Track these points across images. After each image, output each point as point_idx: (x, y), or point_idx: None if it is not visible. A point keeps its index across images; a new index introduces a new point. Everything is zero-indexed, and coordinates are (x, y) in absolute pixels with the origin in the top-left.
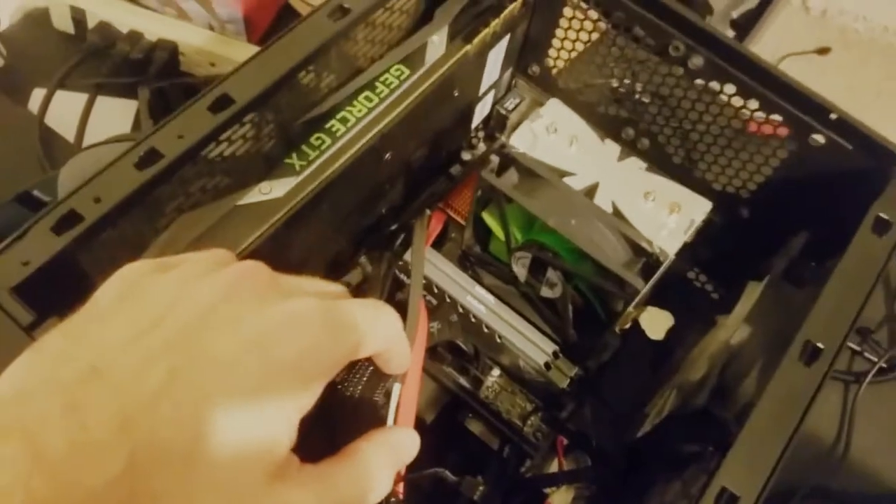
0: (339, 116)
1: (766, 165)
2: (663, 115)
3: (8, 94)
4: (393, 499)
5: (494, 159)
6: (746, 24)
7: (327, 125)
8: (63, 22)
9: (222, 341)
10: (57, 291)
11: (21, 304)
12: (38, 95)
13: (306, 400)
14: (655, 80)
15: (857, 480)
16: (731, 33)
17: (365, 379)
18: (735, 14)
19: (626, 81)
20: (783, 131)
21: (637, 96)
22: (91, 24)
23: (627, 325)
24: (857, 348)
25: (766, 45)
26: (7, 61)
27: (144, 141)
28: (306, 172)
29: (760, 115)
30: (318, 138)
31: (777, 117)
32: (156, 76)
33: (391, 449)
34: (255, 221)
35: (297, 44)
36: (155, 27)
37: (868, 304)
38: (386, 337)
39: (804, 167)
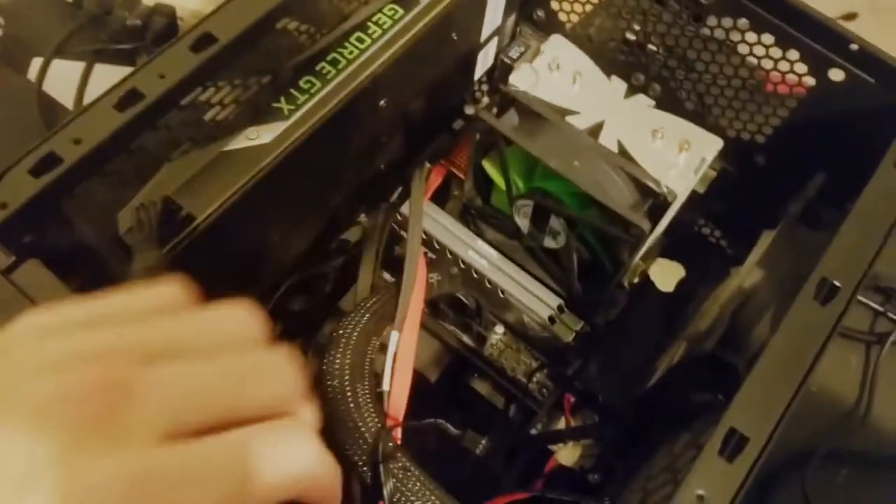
0: (329, 58)
1: (783, 107)
2: (675, 59)
3: (8, 63)
4: (390, 444)
5: (490, 98)
6: None
7: (317, 67)
8: None
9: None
10: (38, 235)
11: None
12: (37, 64)
13: None
14: (666, 20)
15: (877, 443)
16: None
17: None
18: None
19: (637, 25)
20: (801, 68)
21: (648, 41)
22: None
23: (636, 280)
24: (880, 308)
25: None
26: (6, 31)
27: (125, 81)
28: (295, 117)
29: (777, 51)
30: (307, 81)
31: (794, 53)
32: (154, 42)
33: None
34: (241, 168)
35: None
36: None
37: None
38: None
39: (822, 107)
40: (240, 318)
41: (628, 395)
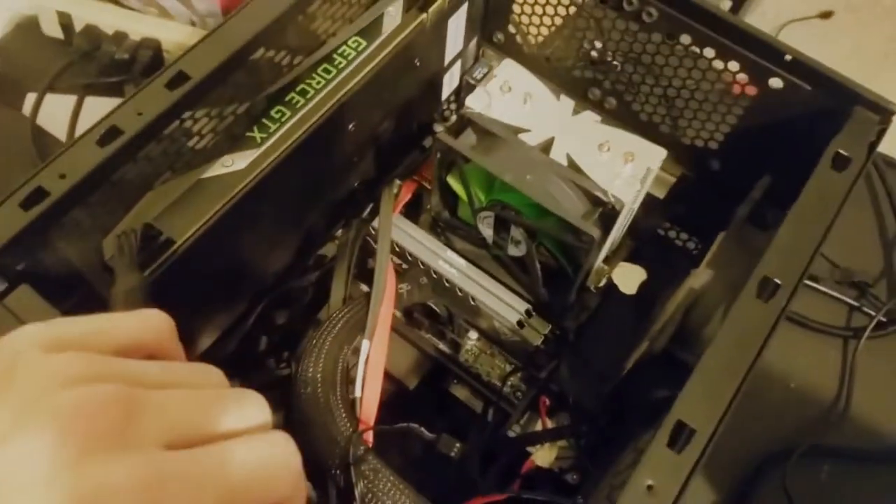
0: (298, 89)
1: (731, 115)
2: (627, 74)
3: (3, 100)
4: (363, 447)
5: (451, 121)
6: None
7: (287, 98)
8: (52, 28)
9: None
10: (29, 263)
11: None
12: (31, 99)
13: None
14: (616, 39)
15: (857, 438)
16: (727, 3)
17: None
18: None
19: (589, 43)
20: (742, 78)
21: (603, 57)
22: (78, 27)
23: (602, 283)
24: (855, 303)
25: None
26: (1, 69)
27: (105, 119)
28: (267, 144)
29: (719, 63)
30: (277, 111)
31: (735, 65)
32: (141, 74)
33: None
34: (218, 194)
35: (253, 19)
36: (138, 26)
37: (864, 259)
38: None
39: (766, 112)
40: (211, 370)
41: (599, 396)
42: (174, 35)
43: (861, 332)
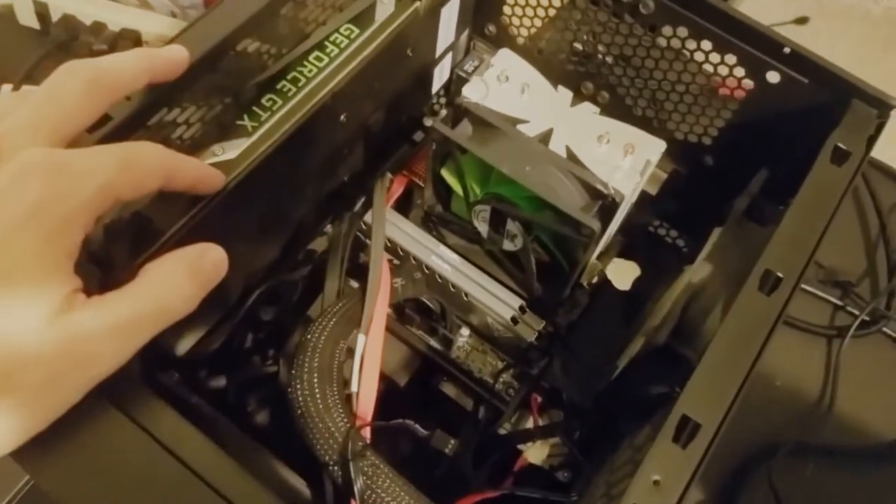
0: (289, 77)
1: (726, 109)
2: (621, 67)
3: None
4: (359, 443)
5: (447, 111)
6: None
7: (278, 86)
8: (28, 17)
9: None
10: None
11: None
12: (7, 90)
13: (64, 245)
14: (611, 32)
15: (842, 435)
16: None
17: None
18: None
19: (583, 36)
20: (739, 72)
21: (595, 51)
22: (55, 17)
23: (595, 279)
24: (840, 303)
25: None
26: None
27: None
28: (258, 133)
29: (716, 56)
30: (269, 99)
31: (732, 58)
32: None
33: (184, 261)
34: None
35: (243, 5)
36: (117, 17)
37: (848, 258)
38: (152, 169)
39: (762, 107)
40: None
41: (591, 392)
42: (154, 26)
43: (845, 332)
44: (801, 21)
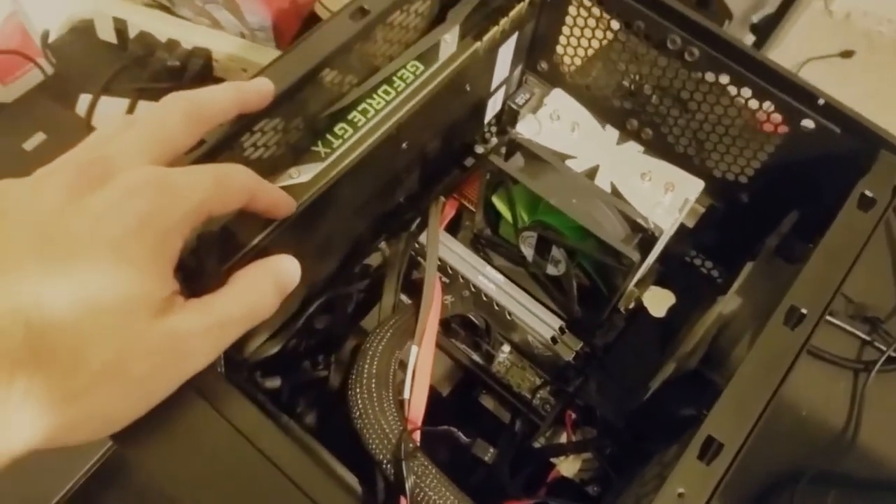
0: (360, 108)
1: (762, 151)
2: (665, 107)
3: (57, 99)
4: (411, 445)
5: (502, 146)
6: (766, 28)
7: (349, 116)
8: (107, 32)
9: (77, 223)
10: None
11: None
12: (84, 100)
13: (166, 252)
14: (657, 74)
15: (863, 466)
16: (750, 38)
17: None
18: (755, 18)
19: (631, 76)
20: (776, 118)
21: (641, 90)
22: (132, 34)
23: (632, 305)
24: (867, 338)
25: (787, 49)
26: (56, 69)
27: None
28: (330, 159)
29: (755, 103)
30: (341, 128)
31: (769, 105)
32: (191, 81)
33: (268, 270)
34: None
35: (321, 43)
36: (191, 36)
37: (878, 295)
38: (239, 189)
39: (796, 151)
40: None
41: (624, 412)
42: (224, 46)
43: (871, 366)
44: (847, 54)
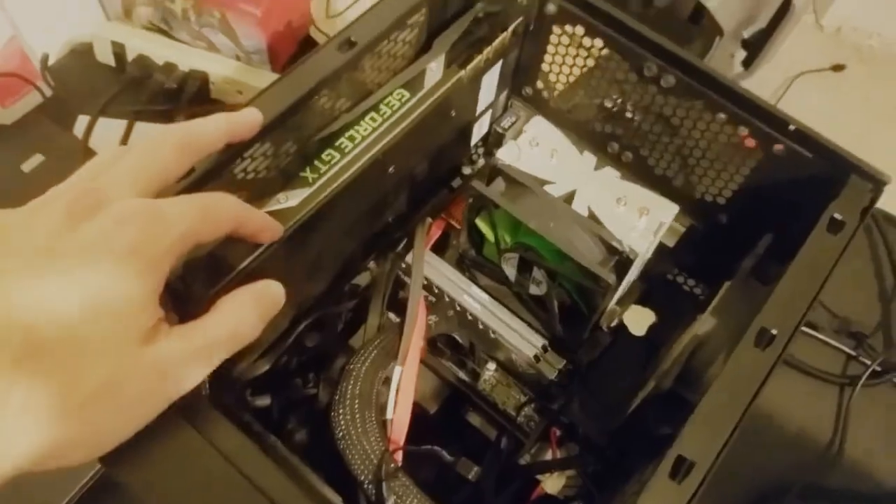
0: (347, 135)
1: (738, 174)
2: (644, 130)
3: (56, 120)
4: (392, 465)
5: (478, 164)
6: (757, 44)
7: (337, 143)
8: (105, 55)
9: (70, 249)
10: None
11: None
12: (82, 122)
13: (154, 280)
14: (635, 99)
15: (850, 480)
16: (741, 53)
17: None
18: (746, 34)
19: (610, 101)
20: (750, 143)
21: (620, 114)
22: (130, 57)
23: (614, 323)
24: (852, 352)
25: (779, 63)
26: (55, 91)
27: None
28: (318, 184)
29: (730, 128)
30: (328, 154)
31: (744, 129)
32: (188, 103)
33: (251, 295)
34: None
35: (310, 73)
36: (187, 59)
37: (863, 310)
38: (226, 218)
39: (771, 175)
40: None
41: (606, 429)
42: (220, 68)
43: (856, 380)
44: (838, 68)
